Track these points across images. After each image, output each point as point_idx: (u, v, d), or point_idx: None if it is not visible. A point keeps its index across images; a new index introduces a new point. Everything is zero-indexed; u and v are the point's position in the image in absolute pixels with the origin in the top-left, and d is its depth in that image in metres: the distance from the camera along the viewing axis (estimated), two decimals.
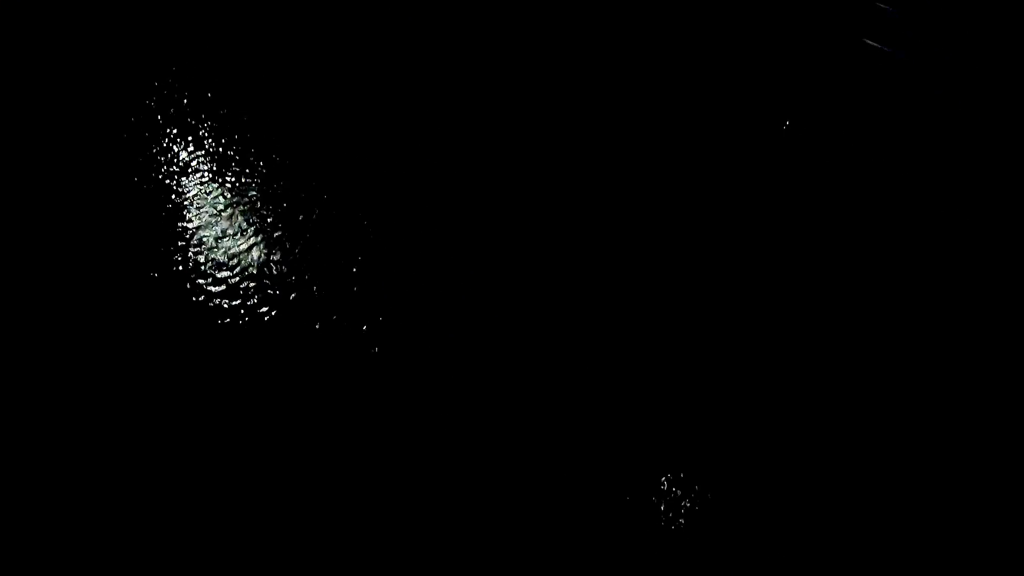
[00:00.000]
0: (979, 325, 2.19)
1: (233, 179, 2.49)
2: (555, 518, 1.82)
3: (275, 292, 2.21)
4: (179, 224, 2.35)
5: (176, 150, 2.56)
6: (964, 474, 1.92)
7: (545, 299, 2.23)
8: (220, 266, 2.25)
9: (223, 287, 2.21)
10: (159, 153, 2.55)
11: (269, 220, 2.38)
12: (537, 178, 2.53)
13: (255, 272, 2.25)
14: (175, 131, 2.63)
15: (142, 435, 1.91)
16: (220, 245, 2.29)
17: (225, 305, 2.17)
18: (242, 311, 2.16)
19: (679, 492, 1.89)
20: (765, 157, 2.57)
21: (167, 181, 2.47)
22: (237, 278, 2.23)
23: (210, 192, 2.44)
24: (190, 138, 2.60)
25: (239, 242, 2.32)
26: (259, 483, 1.84)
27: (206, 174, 2.50)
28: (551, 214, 2.43)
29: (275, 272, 2.24)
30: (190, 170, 2.51)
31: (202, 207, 2.40)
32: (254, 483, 1.84)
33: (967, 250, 2.36)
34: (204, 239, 2.31)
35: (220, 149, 2.58)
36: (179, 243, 2.30)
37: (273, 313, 2.16)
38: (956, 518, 1.84)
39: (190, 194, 2.43)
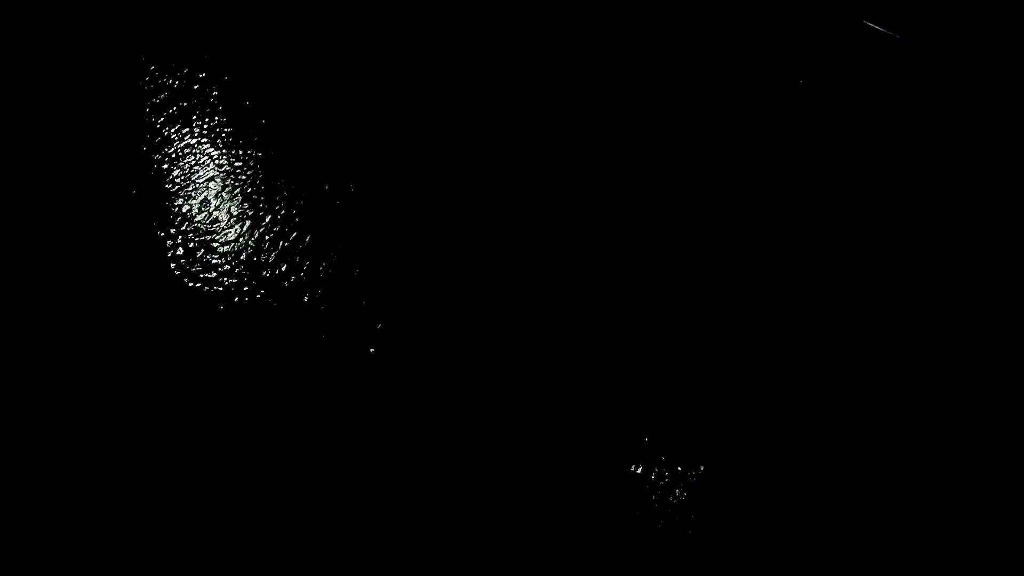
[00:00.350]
0: (978, 324, 2.19)
1: (228, 167, 2.47)
2: (555, 517, 1.82)
3: (270, 287, 2.20)
4: (169, 209, 2.34)
5: (168, 133, 2.54)
6: (964, 473, 1.92)
7: (545, 299, 2.22)
8: (209, 257, 2.23)
9: (213, 280, 2.19)
10: (151, 136, 2.53)
11: (265, 213, 2.37)
12: (537, 177, 2.52)
13: (248, 266, 2.23)
14: (167, 115, 2.61)
15: (129, 429, 1.89)
16: (211, 234, 2.27)
17: (215, 300, 2.16)
18: (234, 307, 2.15)
19: (680, 492, 1.89)
20: (761, 140, 2.57)
21: (158, 165, 2.45)
22: (228, 271, 2.22)
23: (203, 177, 2.42)
24: (182, 121, 2.59)
25: (232, 234, 2.30)
26: (253, 482, 1.82)
27: (199, 159, 2.48)
28: (551, 213, 2.42)
29: (269, 268, 2.23)
30: (183, 153, 2.49)
31: (194, 192, 2.38)
32: (247, 482, 1.82)
33: (966, 240, 2.36)
34: (196, 226, 2.29)
35: (215, 134, 2.57)
36: (169, 229, 2.29)
37: (267, 309, 2.15)
38: (956, 517, 1.84)
39: (182, 179, 2.42)
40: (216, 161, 2.51)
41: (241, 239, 2.31)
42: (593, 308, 2.21)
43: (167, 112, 2.65)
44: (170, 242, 2.28)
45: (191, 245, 2.28)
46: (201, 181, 2.45)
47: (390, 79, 2.78)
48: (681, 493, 1.88)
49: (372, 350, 2.09)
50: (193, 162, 2.50)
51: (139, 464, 1.84)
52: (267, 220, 2.37)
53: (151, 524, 1.75)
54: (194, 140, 2.57)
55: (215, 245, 2.29)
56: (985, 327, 2.19)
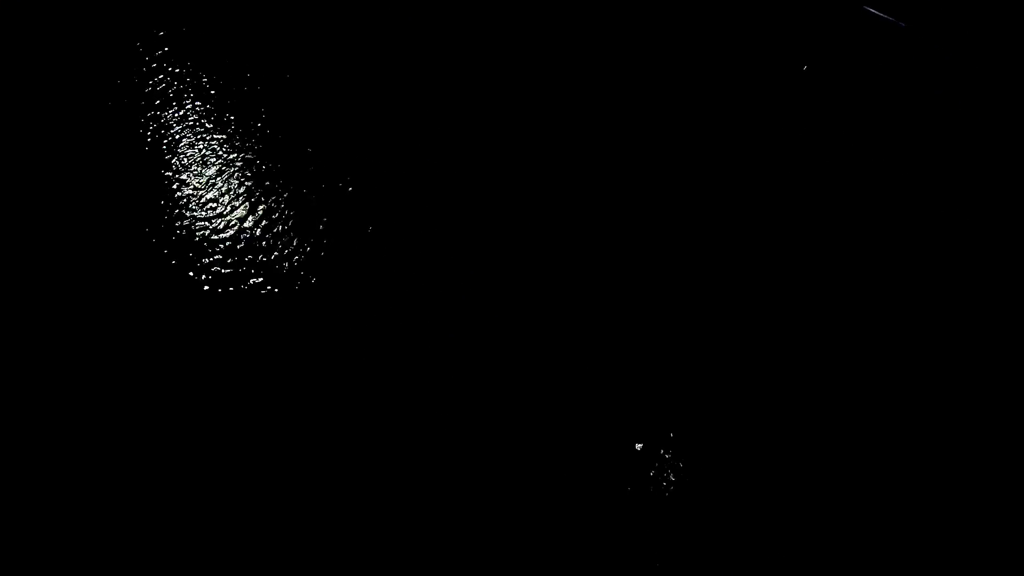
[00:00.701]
0: (976, 324, 2.20)
1: (226, 158, 2.43)
2: (554, 518, 1.82)
3: (266, 284, 2.16)
4: (165, 195, 2.29)
5: (165, 116, 2.49)
6: (963, 472, 1.94)
7: (545, 299, 2.20)
8: (206, 251, 2.20)
9: (210, 275, 2.16)
10: (145, 122, 2.48)
11: (262, 207, 2.33)
12: (537, 176, 2.49)
13: (244, 262, 2.20)
14: (162, 99, 2.55)
15: (126, 421, 1.87)
16: (205, 227, 2.24)
17: (211, 296, 2.12)
18: (230, 303, 2.11)
19: (680, 494, 1.89)
20: (760, 128, 2.55)
21: (154, 149, 2.40)
22: (226, 265, 2.18)
23: (198, 165, 2.38)
24: (177, 105, 2.53)
25: (228, 230, 2.26)
26: (248, 481, 1.81)
27: (195, 145, 2.44)
28: (551, 213, 2.40)
29: (265, 264, 2.20)
30: (180, 138, 2.44)
31: (190, 180, 2.34)
32: (242, 481, 1.81)
33: (964, 234, 2.37)
34: (191, 216, 2.25)
35: (212, 122, 2.52)
36: (163, 215, 2.25)
37: (264, 306, 2.12)
38: (954, 517, 1.87)
39: (178, 163, 2.37)
40: (213, 149, 2.46)
41: (237, 234, 2.27)
42: (591, 308, 2.20)
43: (162, 97, 2.60)
44: (162, 232, 2.24)
45: (185, 233, 2.24)
46: (197, 169, 2.40)
47: (391, 75, 2.73)
48: (676, 491, 1.89)
49: (372, 349, 2.07)
50: (189, 149, 2.45)
51: (137, 454, 1.81)
52: (264, 214, 2.33)
53: (144, 517, 1.73)
54: (189, 126, 2.52)
55: (209, 238, 2.25)
56: (984, 325, 2.21)
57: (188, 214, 2.31)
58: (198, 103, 2.61)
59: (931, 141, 2.56)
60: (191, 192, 2.35)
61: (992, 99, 2.58)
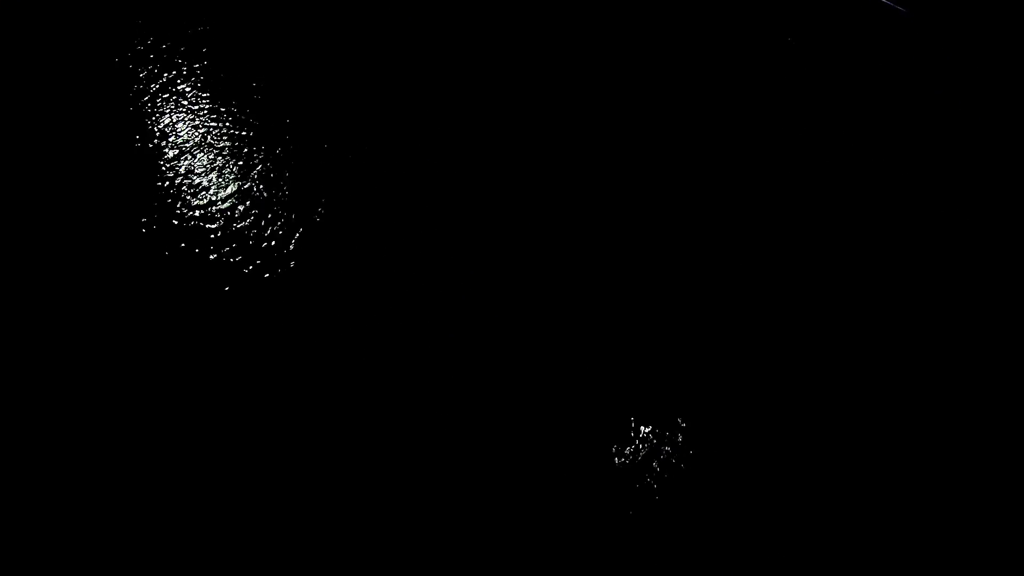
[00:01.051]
0: (974, 323, 2.17)
1: (224, 153, 2.41)
2: (553, 518, 1.80)
3: (264, 281, 2.15)
4: (157, 181, 2.28)
5: (158, 102, 2.48)
6: (961, 470, 1.91)
7: (545, 299, 2.18)
8: (200, 241, 2.18)
9: (205, 271, 2.14)
10: (142, 108, 2.47)
11: (261, 204, 2.31)
12: (537, 176, 2.47)
13: (241, 262, 2.18)
14: (157, 83, 2.54)
15: (110, 414, 1.84)
16: (203, 220, 2.22)
17: (208, 291, 2.10)
18: (228, 300, 2.09)
19: (680, 495, 1.87)
20: (761, 113, 2.53)
21: (146, 135, 2.39)
22: (221, 261, 2.16)
23: (194, 157, 2.37)
24: (171, 92, 2.52)
25: (225, 228, 2.25)
26: (237, 476, 1.78)
27: (194, 137, 2.42)
28: (551, 213, 2.38)
29: (262, 263, 2.18)
30: (176, 126, 2.42)
31: (183, 167, 2.32)
32: (231, 475, 1.78)
33: (962, 229, 2.34)
34: (182, 203, 2.24)
35: (208, 111, 2.50)
36: (155, 201, 2.23)
37: (262, 304, 2.09)
38: (953, 515, 1.84)
39: (171, 151, 2.36)
40: (208, 138, 2.45)
41: (233, 227, 2.25)
42: (591, 308, 2.17)
43: (155, 83, 2.58)
44: (153, 218, 2.22)
45: (176, 221, 2.22)
46: (189, 156, 2.39)
47: (394, 70, 2.71)
48: (675, 491, 1.87)
49: (371, 349, 2.04)
50: (181, 135, 2.44)
51: (123, 443, 1.79)
52: (263, 209, 2.31)
53: (136, 512, 1.71)
54: (182, 115, 2.50)
55: (204, 230, 2.23)
56: (982, 324, 2.18)
57: (180, 201, 2.29)
58: (192, 91, 2.60)
59: (930, 139, 2.53)
60: (183, 179, 2.34)
61: (992, 99, 2.55)
